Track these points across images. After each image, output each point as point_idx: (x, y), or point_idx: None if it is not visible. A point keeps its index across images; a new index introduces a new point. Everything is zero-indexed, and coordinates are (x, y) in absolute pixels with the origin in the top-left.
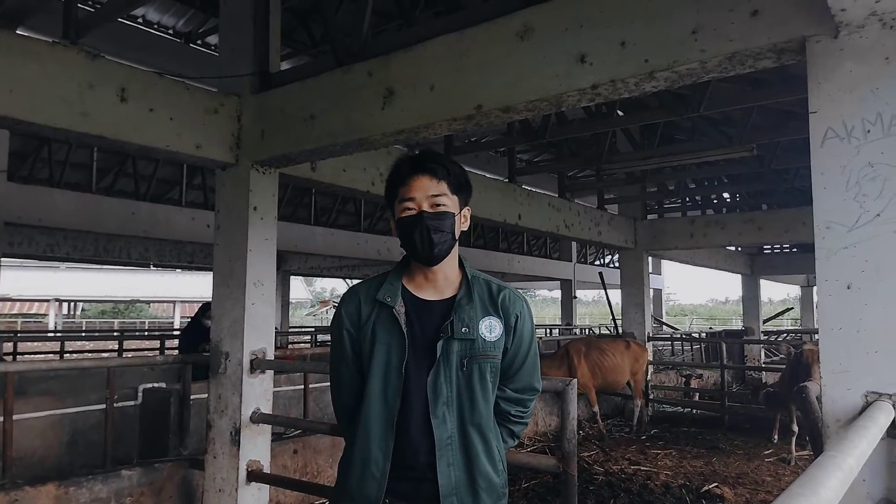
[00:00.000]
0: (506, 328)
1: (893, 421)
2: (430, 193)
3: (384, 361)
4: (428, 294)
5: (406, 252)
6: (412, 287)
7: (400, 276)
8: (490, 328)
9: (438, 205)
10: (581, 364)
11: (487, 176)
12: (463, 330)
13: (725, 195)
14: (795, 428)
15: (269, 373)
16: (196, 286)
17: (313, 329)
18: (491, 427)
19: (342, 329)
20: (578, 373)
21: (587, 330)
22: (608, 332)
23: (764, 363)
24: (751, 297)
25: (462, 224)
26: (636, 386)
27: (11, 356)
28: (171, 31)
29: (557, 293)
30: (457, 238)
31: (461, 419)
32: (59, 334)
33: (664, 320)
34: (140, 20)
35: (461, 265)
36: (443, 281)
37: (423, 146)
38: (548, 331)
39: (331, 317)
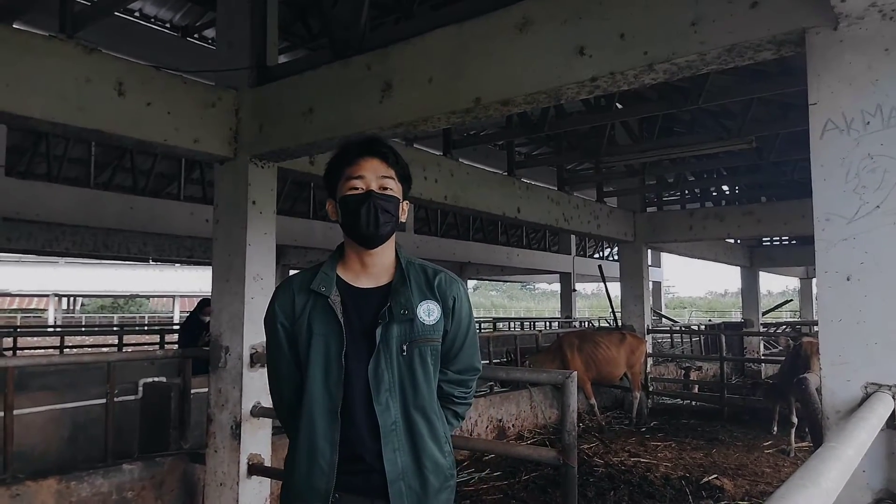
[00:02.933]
0: (444, 311)
1: (893, 412)
2: (379, 175)
3: (323, 353)
4: (363, 282)
5: (347, 233)
6: (347, 276)
7: (334, 265)
8: (428, 312)
9: (386, 188)
10: (574, 357)
11: (486, 169)
12: (402, 313)
13: (724, 188)
14: (795, 419)
15: None
16: (195, 281)
17: None
18: (434, 409)
19: (276, 323)
20: (571, 366)
21: (587, 323)
22: (608, 324)
23: (763, 355)
24: (750, 289)
25: (401, 216)
26: (634, 378)
27: (11, 351)
28: (167, 25)
29: (557, 286)
30: (398, 225)
31: (404, 404)
32: (58, 329)
33: (663, 313)
34: (137, 14)
35: (397, 253)
36: (379, 267)
37: (421, 139)
38: (547, 324)
39: None
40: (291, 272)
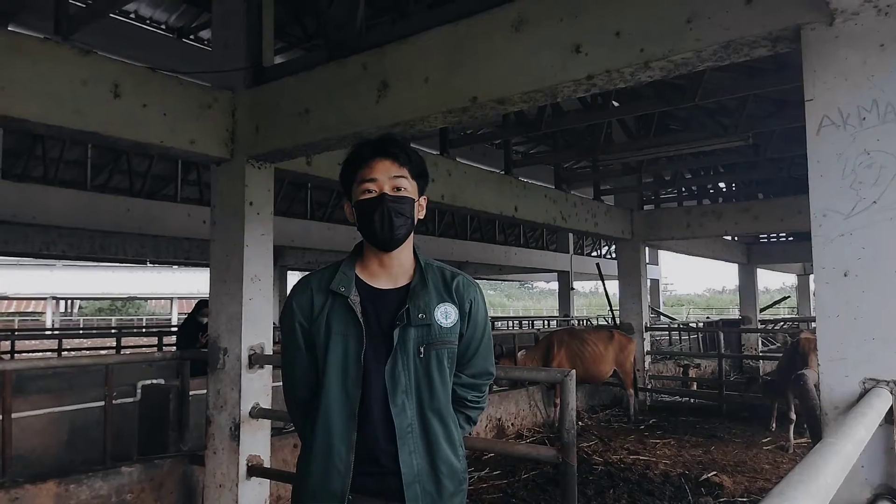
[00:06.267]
0: (461, 314)
1: (891, 407)
2: (392, 175)
3: (342, 352)
4: (382, 283)
5: (363, 236)
6: (366, 276)
7: (353, 265)
8: (446, 314)
9: (400, 188)
10: (560, 353)
11: (483, 168)
12: (420, 316)
13: (721, 185)
14: (793, 416)
15: (268, 368)
16: (193, 282)
17: None
18: (450, 413)
19: (294, 321)
20: (555, 362)
21: (584, 321)
22: (605, 323)
23: (761, 352)
24: (747, 286)
25: (419, 212)
26: (625, 377)
27: (9, 354)
28: (163, 27)
29: (555, 285)
30: (415, 224)
31: (420, 406)
32: (56, 332)
33: (662, 310)
34: (132, 15)
35: (415, 253)
36: (398, 268)
37: (417, 139)
38: (545, 322)
39: None
40: (289, 273)
